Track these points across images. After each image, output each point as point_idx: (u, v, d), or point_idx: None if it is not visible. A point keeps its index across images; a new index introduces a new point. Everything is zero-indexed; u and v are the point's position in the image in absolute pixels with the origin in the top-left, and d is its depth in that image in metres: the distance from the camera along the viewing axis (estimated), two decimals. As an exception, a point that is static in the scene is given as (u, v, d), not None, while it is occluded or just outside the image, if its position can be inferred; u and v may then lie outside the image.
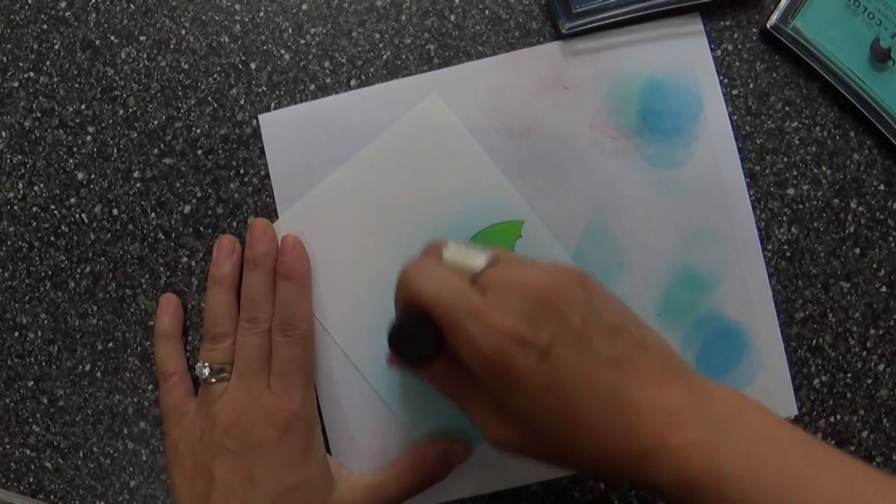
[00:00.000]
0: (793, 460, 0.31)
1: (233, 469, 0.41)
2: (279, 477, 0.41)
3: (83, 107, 0.47)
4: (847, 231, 0.47)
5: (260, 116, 0.46)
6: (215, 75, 0.47)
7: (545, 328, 0.33)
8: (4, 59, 0.48)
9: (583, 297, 0.34)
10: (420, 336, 0.35)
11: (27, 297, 0.47)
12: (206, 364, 0.42)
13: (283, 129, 0.46)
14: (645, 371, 0.33)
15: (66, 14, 0.48)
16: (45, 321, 0.47)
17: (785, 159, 0.47)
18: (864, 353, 0.46)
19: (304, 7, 0.47)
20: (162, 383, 0.45)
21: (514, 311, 0.33)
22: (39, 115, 0.47)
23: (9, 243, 0.47)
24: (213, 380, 0.42)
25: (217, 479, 0.41)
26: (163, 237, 0.47)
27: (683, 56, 0.46)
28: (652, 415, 0.32)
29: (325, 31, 0.47)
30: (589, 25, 0.45)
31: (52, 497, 0.48)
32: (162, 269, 0.47)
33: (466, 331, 0.33)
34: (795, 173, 0.47)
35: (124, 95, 0.47)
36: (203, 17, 0.47)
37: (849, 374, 0.46)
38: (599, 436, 0.33)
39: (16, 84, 0.48)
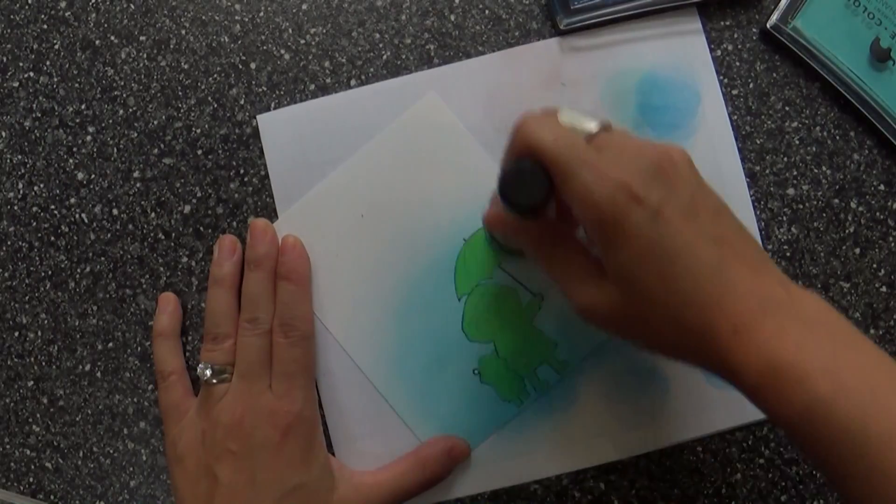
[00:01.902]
0: (875, 369, 0.31)
1: (236, 470, 0.41)
2: (282, 478, 0.41)
3: (83, 107, 0.47)
4: (847, 231, 0.47)
5: (258, 117, 0.46)
6: (215, 75, 0.47)
7: (657, 190, 0.32)
8: (4, 59, 0.48)
9: (692, 175, 0.34)
10: (531, 183, 0.34)
11: (27, 297, 0.47)
12: (207, 365, 0.42)
13: (281, 129, 0.46)
14: (743, 256, 0.33)
15: (66, 14, 0.48)
16: (45, 321, 0.47)
17: (785, 159, 0.47)
18: (865, 352, 0.46)
19: (304, 7, 0.47)
20: (160, 382, 0.45)
21: (630, 167, 0.33)
22: (39, 115, 0.47)
23: (9, 243, 0.47)
24: (215, 381, 0.42)
25: (221, 481, 0.41)
26: (163, 237, 0.47)
27: (681, 51, 0.46)
28: (747, 297, 0.32)
29: (325, 31, 0.47)
30: (587, 22, 0.46)
31: (52, 497, 0.47)
32: (162, 269, 0.47)
33: (581, 179, 0.33)
34: (795, 173, 0.47)
35: (124, 95, 0.47)
36: (203, 17, 0.47)
37: (849, 374, 0.46)
38: (694, 307, 0.32)
39: (16, 84, 0.48)
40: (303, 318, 0.43)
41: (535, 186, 0.34)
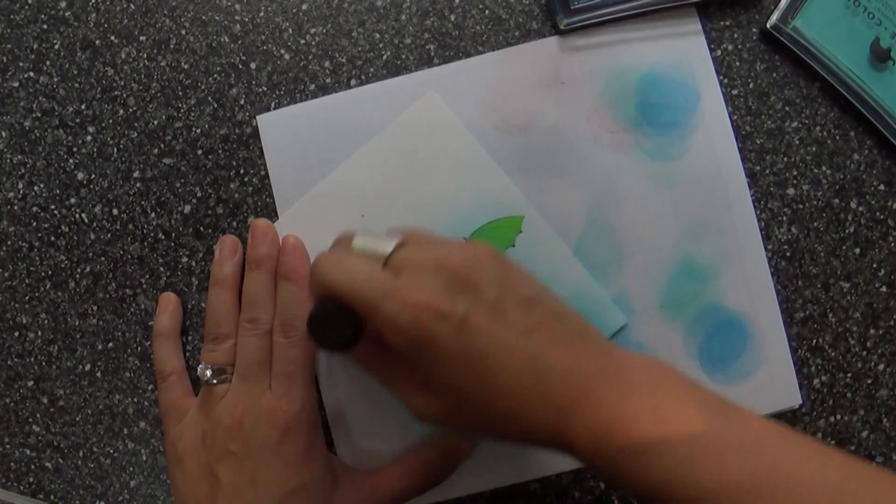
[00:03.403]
0: (700, 417, 0.32)
1: (237, 471, 0.41)
2: (282, 479, 0.41)
3: (83, 107, 0.47)
4: (847, 231, 0.47)
5: (258, 117, 0.46)
6: (215, 75, 0.47)
7: (461, 300, 0.34)
8: (4, 59, 0.48)
9: (498, 270, 0.35)
10: (339, 324, 0.36)
11: (27, 297, 0.47)
12: (207, 366, 0.42)
13: (281, 129, 0.46)
14: (560, 338, 0.35)
15: (66, 14, 0.48)
16: (45, 321, 0.47)
17: (785, 159, 0.47)
18: (864, 353, 0.46)
19: (304, 7, 0.47)
20: (160, 382, 0.45)
21: (430, 286, 0.34)
22: (39, 115, 0.47)
23: (9, 243, 0.47)
24: (215, 381, 0.42)
25: (222, 482, 0.41)
26: (163, 237, 0.47)
27: (680, 50, 0.46)
28: (567, 376, 0.33)
29: (325, 31, 0.47)
30: (587, 22, 0.46)
31: (52, 497, 0.47)
32: (162, 269, 0.47)
33: (384, 311, 0.34)
34: (795, 173, 0.47)
35: (124, 95, 0.47)
36: (203, 17, 0.47)
37: (849, 374, 0.46)
38: (517, 401, 0.34)
39: (16, 84, 0.48)
40: (303, 318, 0.43)
41: (342, 326, 0.36)
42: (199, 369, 0.42)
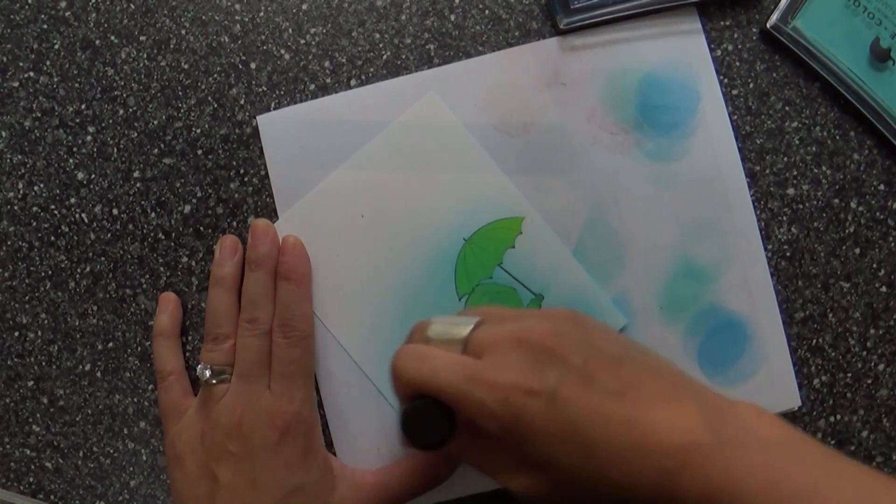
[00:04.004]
0: (812, 471, 0.31)
1: (236, 472, 0.41)
2: (281, 479, 0.41)
3: (83, 107, 0.47)
4: (847, 231, 0.47)
5: (258, 117, 0.46)
6: (215, 75, 0.47)
7: (549, 373, 0.33)
8: (4, 59, 0.48)
9: (580, 335, 0.34)
10: (433, 421, 0.35)
11: (27, 297, 0.47)
12: (207, 365, 0.42)
13: (281, 129, 0.46)
14: (654, 395, 0.33)
15: (66, 14, 0.48)
16: (45, 321, 0.47)
17: (785, 159, 0.47)
18: (864, 353, 0.46)
19: (304, 7, 0.47)
20: (160, 382, 0.45)
21: (514, 364, 0.33)
22: (39, 115, 0.47)
23: (9, 243, 0.47)
24: (214, 381, 0.42)
25: (221, 482, 0.41)
26: (163, 237, 0.47)
27: (681, 50, 0.46)
28: (668, 436, 0.32)
29: (325, 31, 0.47)
30: (587, 21, 0.46)
31: (52, 497, 0.47)
32: (162, 269, 0.47)
33: (473, 398, 0.33)
34: (795, 173, 0.47)
35: (124, 95, 0.47)
36: (203, 17, 0.47)
37: (849, 374, 0.46)
38: (621, 468, 0.32)
39: (16, 84, 0.48)
40: (302, 318, 0.43)
41: (436, 423, 0.35)
42: (198, 369, 0.42)
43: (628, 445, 0.32)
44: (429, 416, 0.35)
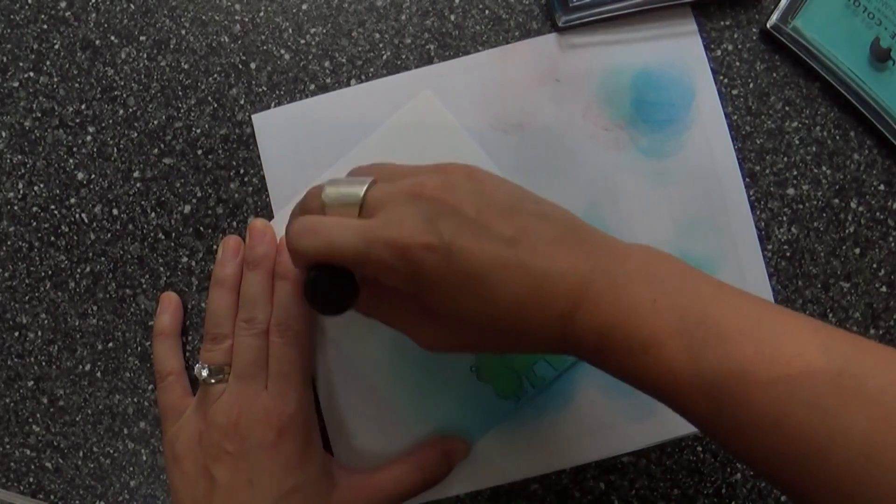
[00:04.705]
0: (699, 301, 0.32)
1: (233, 472, 0.41)
2: (278, 480, 0.41)
3: (83, 107, 0.47)
4: (847, 231, 0.47)
5: (253, 116, 0.46)
6: (215, 75, 0.47)
7: (443, 226, 0.33)
8: (4, 59, 0.48)
9: (472, 187, 0.35)
10: (334, 286, 0.35)
11: (27, 297, 0.47)
12: (204, 365, 0.42)
13: (276, 128, 0.46)
14: (548, 241, 0.34)
15: (66, 14, 0.48)
16: (45, 321, 0.47)
17: (785, 159, 0.47)
18: (864, 352, 0.46)
19: (304, 7, 0.47)
20: (159, 382, 0.45)
21: (409, 219, 0.33)
22: (39, 115, 0.47)
23: (9, 243, 0.47)
24: (212, 381, 0.42)
25: (218, 482, 0.41)
26: (163, 237, 0.47)
27: (675, 48, 0.46)
28: (563, 279, 0.33)
29: (325, 31, 0.47)
30: (586, 20, 0.46)
31: (52, 497, 0.47)
32: (162, 269, 0.47)
33: (371, 258, 0.33)
34: (795, 173, 0.47)
35: (124, 95, 0.47)
36: (203, 17, 0.47)
37: (849, 374, 0.46)
38: (518, 314, 0.33)
39: (16, 84, 0.48)
40: (298, 318, 0.43)
41: (339, 288, 0.35)
42: (195, 368, 0.42)
43: (524, 292, 0.33)
44: (330, 282, 0.35)
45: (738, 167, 0.46)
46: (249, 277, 0.44)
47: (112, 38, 0.47)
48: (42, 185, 0.47)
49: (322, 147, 0.46)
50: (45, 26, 0.48)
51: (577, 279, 0.33)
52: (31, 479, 0.48)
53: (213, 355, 0.43)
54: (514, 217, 0.34)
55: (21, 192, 0.47)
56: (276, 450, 0.41)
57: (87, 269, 0.47)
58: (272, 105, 0.47)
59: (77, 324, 0.47)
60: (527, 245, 0.33)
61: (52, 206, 0.47)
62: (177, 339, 0.46)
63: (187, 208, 0.47)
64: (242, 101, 0.47)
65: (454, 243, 0.33)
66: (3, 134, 0.48)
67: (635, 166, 0.46)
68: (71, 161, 0.47)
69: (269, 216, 0.46)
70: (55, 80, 0.47)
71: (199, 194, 0.47)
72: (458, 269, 0.33)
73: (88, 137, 0.47)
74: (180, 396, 0.44)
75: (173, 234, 0.47)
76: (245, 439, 0.41)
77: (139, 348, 0.47)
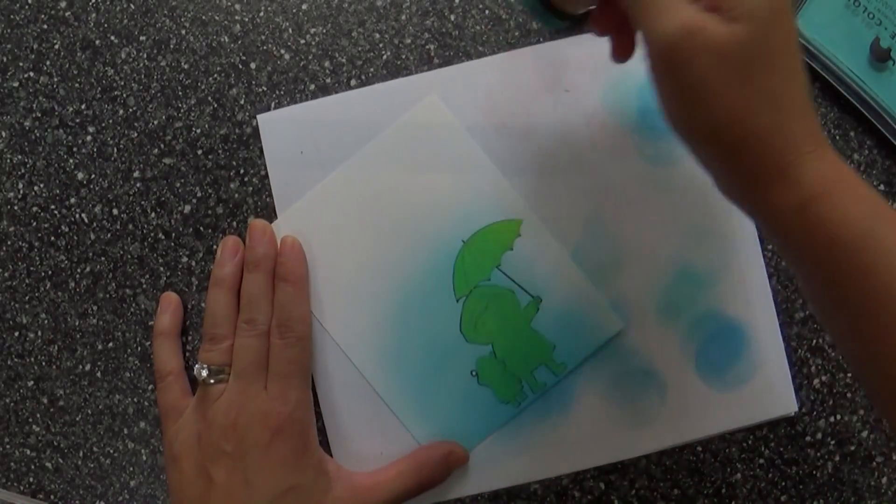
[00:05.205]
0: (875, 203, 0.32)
1: (230, 472, 0.41)
2: (275, 479, 0.41)
3: (83, 107, 0.47)
4: (847, 231, 0.46)
5: (258, 117, 0.46)
6: (215, 75, 0.47)
7: None
8: (4, 59, 0.48)
9: None
10: None
11: (27, 297, 0.47)
12: (204, 365, 0.42)
13: (281, 129, 0.46)
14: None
15: (66, 14, 0.48)
16: (45, 321, 0.47)
17: (785, 159, 0.47)
18: (864, 353, 0.46)
19: (304, 7, 0.47)
20: (159, 382, 0.45)
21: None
22: (39, 115, 0.48)
23: (9, 243, 0.48)
24: (212, 381, 0.42)
25: (216, 482, 0.41)
26: (163, 237, 0.47)
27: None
28: (789, 126, 0.31)
29: (325, 31, 0.47)
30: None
31: (52, 497, 0.48)
32: (162, 269, 0.47)
33: None
34: (795, 173, 0.47)
35: (124, 95, 0.47)
36: (203, 17, 0.47)
37: (849, 374, 0.46)
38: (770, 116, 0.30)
39: (16, 84, 0.48)
40: (299, 320, 0.43)
41: None
42: (195, 369, 0.42)
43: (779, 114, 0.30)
44: None
45: None
46: (250, 279, 0.44)
47: (112, 38, 0.47)
48: (42, 185, 0.47)
49: (326, 149, 0.46)
50: (45, 26, 0.48)
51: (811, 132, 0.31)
52: (31, 479, 0.48)
53: (213, 356, 0.43)
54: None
55: (21, 192, 0.47)
56: (272, 450, 0.41)
57: (87, 269, 0.47)
58: (272, 105, 0.47)
59: (77, 324, 0.47)
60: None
61: (52, 206, 0.47)
62: (177, 339, 0.46)
63: (187, 208, 0.47)
64: (242, 101, 0.47)
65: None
66: (3, 134, 0.48)
67: (640, 174, 0.46)
68: (71, 161, 0.47)
69: (270, 216, 0.46)
70: (55, 80, 0.47)
71: (199, 194, 0.47)
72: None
73: (88, 137, 0.47)
74: (180, 396, 0.44)
75: (173, 234, 0.47)
76: (242, 439, 0.41)
77: (139, 348, 0.47)
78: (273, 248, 0.45)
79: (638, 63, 0.45)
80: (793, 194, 0.30)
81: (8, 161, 0.48)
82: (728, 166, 0.32)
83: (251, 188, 0.47)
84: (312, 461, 0.42)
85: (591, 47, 0.46)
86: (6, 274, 0.47)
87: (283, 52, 0.47)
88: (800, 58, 0.31)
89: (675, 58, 0.30)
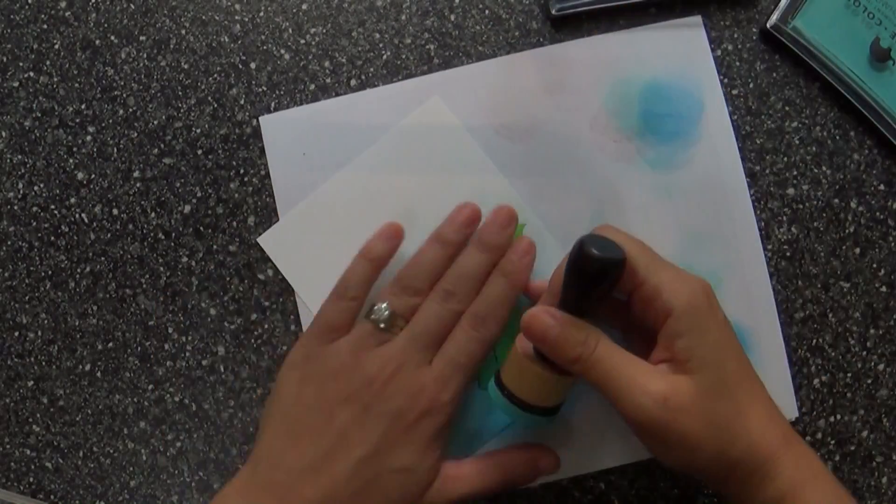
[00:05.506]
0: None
1: (355, 421, 0.39)
2: (396, 455, 0.39)
3: (83, 107, 0.47)
4: (847, 231, 0.47)
5: (261, 118, 0.46)
6: (215, 75, 0.47)
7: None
8: (4, 59, 0.48)
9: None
10: (611, 245, 0.37)
11: (27, 297, 0.47)
12: (388, 307, 0.41)
13: (283, 130, 0.46)
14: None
15: (66, 14, 0.48)
16: (45, 321, 0.47)
17: (785, 159, 0.47)
18: (864, 353, 0.46)
19: (304, 7, 0.47)
20: (335, 298, 0.42)
21: (692, 283, 0.38)
22: (39, 115, 0.48)
23: (9, 243, 0.47)
24: (383, 325, 0.40)
25: (334, 422, 0.39)
26: (163, 237, 0.47)
27: (684, 60, 0.46)
28: (763, 439, 0.36)
29: (325, 31, 0.47)
30: (579, 8, 0.45)
31: (52, 497, 0.47)
32: (162, 269, 0.47)
33: (665, 275, 0.38)
34: (795, 173, 0.47)
35: (124, 95, 0.47)
36: (203, 17, 0.47)
37: (849, 374, 0.46)
38: (757, 406, 0.37)
39: (16, 84, 0.48)
40: (498, 320, 0.41)
41: (614, 247, 0.37)
42: (375, 307, 0.40)
43: (766, 410, 0.37)
44: (608, 243, 0.37)
45: (744, 181, 0.46)
46: (474, 254, 0.42)
47: (112, 38, 0.47)
48: (42, 185, 0.47)
49: (329, 151, 0.46)
50: (45, 26, 0.48)
51: (770, 450, 0.36)
52: (31, 479, 0.48)
53: (399, 303, 0.41)
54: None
55: (21, 192, 0.47)
56: (411, 427, 0.39)
57: (87, 269, 0.47)
58: (272, 105, 0.47)
59: (77, 324, 0.47)
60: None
61: (52, 206, 0.47)
62: (378, 271, 0.43)
63: (187, 208, 0.47)
64: (242, 101, 0.47)
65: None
66: (3, 134, 0.48)
67: (642, 178, 0.46)
68: (71, 161, 0.47)
69: (270, 216, 0.46)
70: (55, 80, 0.47)
71: (199, 194, 0.47)
72: (730, 333, 0.38)
73: (88, 137, 0.47)
74: (346, 323, 0.42)
75: (173, 234, 0.47)
76: (385, 400, 0.39)
77: (139, 348, 0.47)
78: (509, 242, 0.43)
79: (640, 66, 0.46)
80: (772, 488, 0.36)
81: (8, 161, 0.48)
82: (717, 483, 0.38)
83: (251, 188, 0.47)
84: (436, 452, 0.40)
85: (594, 49, 0.46)
86: (6, 274, 0.47)
87: (283, 52, 0.47)
88: (748, 361, 0.38)
89: (655, 425, 0.36)
